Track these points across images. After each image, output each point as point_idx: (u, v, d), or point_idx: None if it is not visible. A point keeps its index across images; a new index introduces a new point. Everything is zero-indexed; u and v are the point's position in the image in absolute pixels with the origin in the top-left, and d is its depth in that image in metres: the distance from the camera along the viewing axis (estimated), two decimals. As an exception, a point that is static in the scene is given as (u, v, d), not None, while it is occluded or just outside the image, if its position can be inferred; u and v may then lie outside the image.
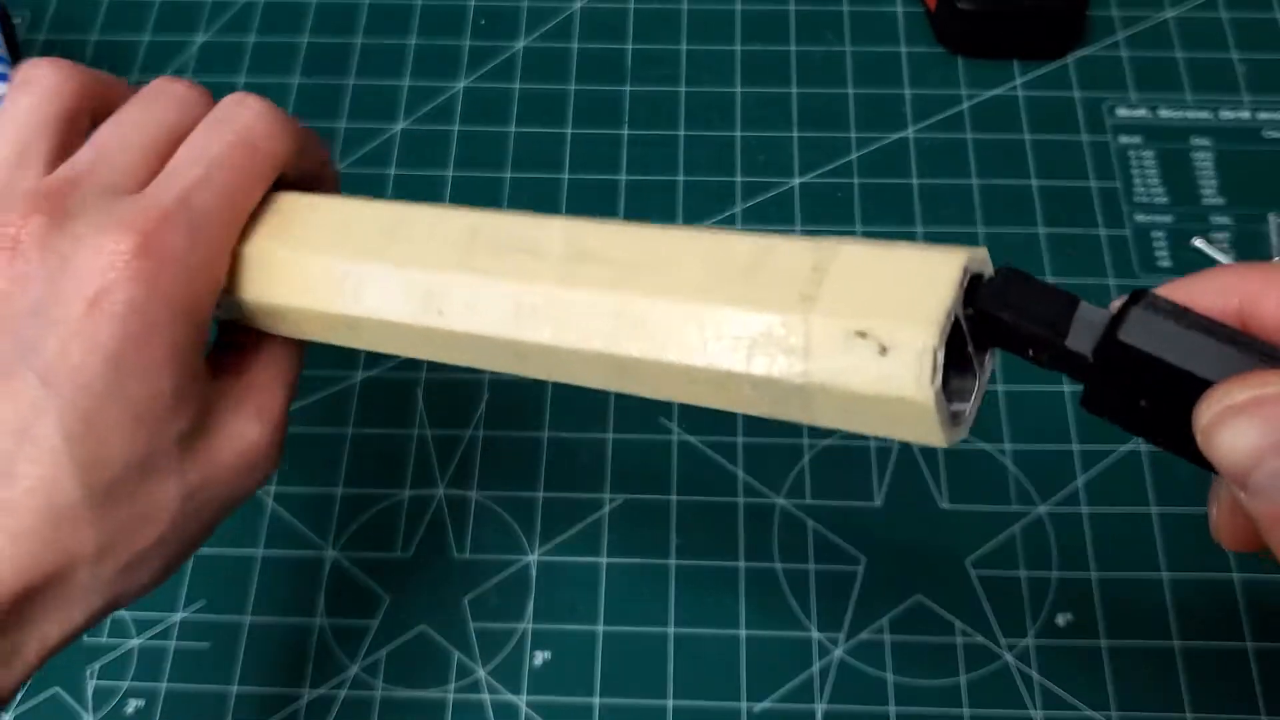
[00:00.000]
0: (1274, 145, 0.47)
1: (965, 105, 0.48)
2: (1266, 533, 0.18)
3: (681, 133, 0.48)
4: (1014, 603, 0.38)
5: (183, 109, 0.28)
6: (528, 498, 0.41)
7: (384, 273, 0.26)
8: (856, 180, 0.47)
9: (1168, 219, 0.45)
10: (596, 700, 0.37)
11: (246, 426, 0.27)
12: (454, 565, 0.40)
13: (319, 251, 0.27)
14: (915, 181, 0.46)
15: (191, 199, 0.25)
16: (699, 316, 0.22)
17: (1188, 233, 0.45)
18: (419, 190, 0.47)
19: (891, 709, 0.37)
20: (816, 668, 0.37)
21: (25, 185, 0.26)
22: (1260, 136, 0.47)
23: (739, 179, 0.47)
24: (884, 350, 0.20)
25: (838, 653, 0.38)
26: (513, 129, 0.48)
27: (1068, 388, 0.42)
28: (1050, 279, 0.41)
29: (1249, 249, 0.44)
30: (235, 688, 0.38)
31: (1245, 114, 0.48)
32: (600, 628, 0.38)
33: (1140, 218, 0.45)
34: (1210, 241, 0.44)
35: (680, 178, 0.47)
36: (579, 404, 0.42)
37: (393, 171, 0.47)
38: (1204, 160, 0.47)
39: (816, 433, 0.41)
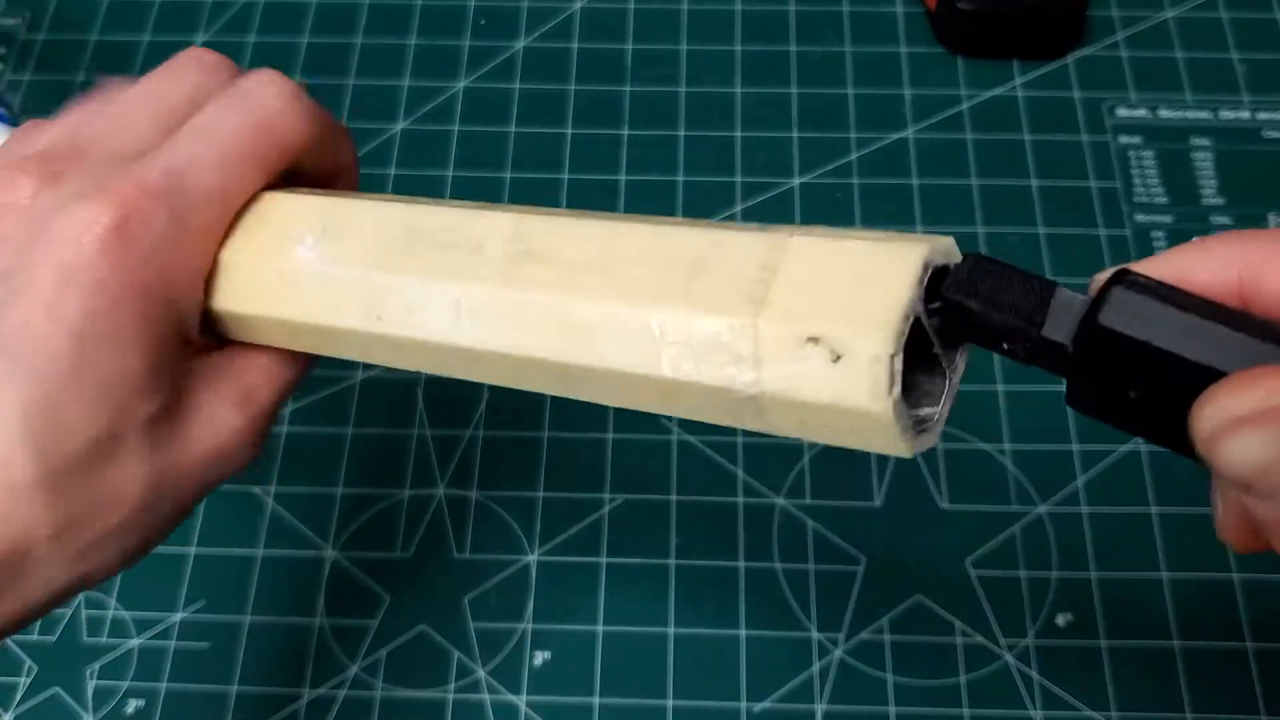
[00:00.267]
0: (1274, 145, 0.47)
1: (965, 105, 0.48)
2: (1276, 538, 0.18)
3: (681, 133, 0.48)
4: (1014, 603, 0.38)
5: (210, 81, 0.26)
6: (528, 498, 0.41)
7: (320, 272, 0.24)
8: (856, 180, 0.47)
9: (1168, 219, 0.45)
10: (596, 700, 0.37)
11: (225, 414, 0.26)
12: (454, 565, 0.40)
13: (257, 252, 0.25)
14: (915, 182, 0.46)
15: (184, 174, 0.24)
16: (644, 322, 0.21)
17: (1188, 233, 0.45)
18: (419, 191, 0.47)
19: (891, 709, 0.37)
20: (816, 668, 0.37)
21: (31, 149, 0.25)
22: (1260, 136, 0.47)
23: (739, 179, 0.47)
24: (836, 358, 0.19)
25: (838, 653, 0.38)
26: (513, 129, 0.48)
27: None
28: (1050, 279, 0.41)
29: (1249, 249, 0.44)
30: (235, 688, 0.38)
31: (1245, 114, 0.48)
32: (600, 628, 0.38)
33: (1140, 218, 0.45)
34: (1210, 241, 0.44)
35: (680, 178, 0.47)
36: (579, 404, 0.42)
37: (393, 171, 0.47)
38: (1204, 160, 0.47)
39: (816, 433, 0.41)
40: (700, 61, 0.50)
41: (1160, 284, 0.19)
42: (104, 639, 0.39)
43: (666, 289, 0.21)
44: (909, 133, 0.48)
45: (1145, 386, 0.18)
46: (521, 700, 0.37)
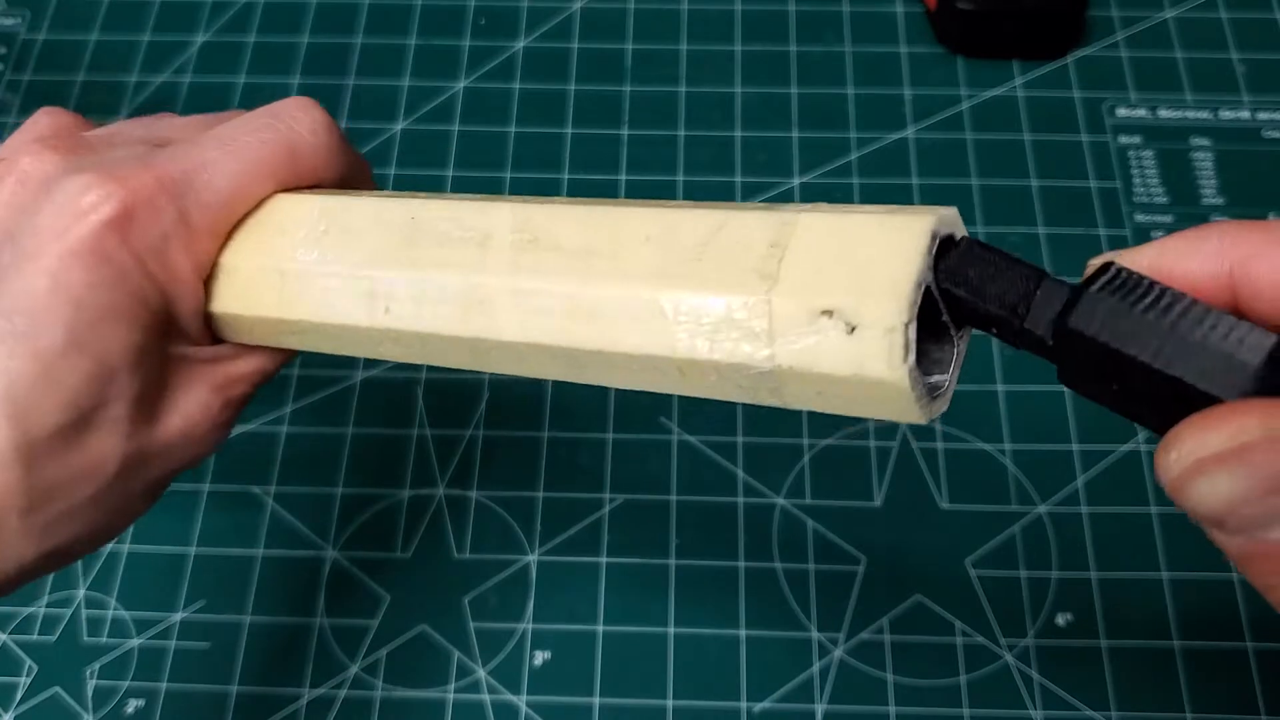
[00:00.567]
0: (1274, 145, 0.47)
1: (965, 105, 0.48)
2: (1250, 569, 0.18)
3: (681, 133, 0.48)
4: (1014, 603, 0.38)
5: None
6: (528, 498, 0.41)
7: (323, 271, 0.25)
8: (856, 180, 0.47)
9: (1168, 219, 0.45)
10: (596, 700, 0.37)
11: (204, 401, 0.26)
12: (454, 565, 0.40)
13: (258, 254, 0.25)
14: (915, 181, 0.46)
15: (199, 174, 0.25)
16: (656, 303, 0.21)
17: (1188, 233, 0.45)
18: (419, 190, 0.47)
19: (891, 709, 0.37)
20: (816, 668, 0.37)
21: (62, 126, 0.26)
22: (1260, 136, 0.47)
23: (739, 179, 0.47)
24: (851, 329, 0.19)
25: (838, 653, 0.38)
26: (513, 129, 0.48)
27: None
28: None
29: (1249, 249, 0.44)
30: (235, 688, 0.38)
31: (1245, 114, 0.48)
32: (600, 628, 0.38)
33: (1140, 218, 0.45)
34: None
35: (680, 178, 0.47)
36: (579, 404, 0.42)
37: (393, 171, 0.47)
38: (1204, 160, 0.47)
39: (816, 432, 0.41)
40: (700, 61, 0.50)
41: (1141, 280, 0.18)
42: (104, 639, 0.39)
43: (677, 270, 0.21)
44: (909, 132, 0.48)
45: (1120, 383, 0.18)
46: (521, 700, 0.37)
